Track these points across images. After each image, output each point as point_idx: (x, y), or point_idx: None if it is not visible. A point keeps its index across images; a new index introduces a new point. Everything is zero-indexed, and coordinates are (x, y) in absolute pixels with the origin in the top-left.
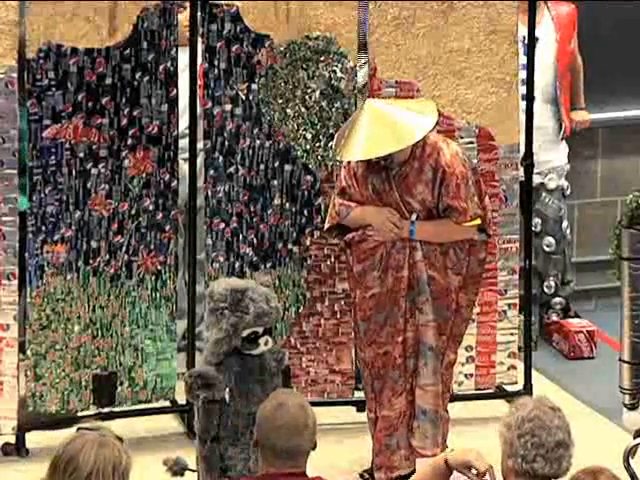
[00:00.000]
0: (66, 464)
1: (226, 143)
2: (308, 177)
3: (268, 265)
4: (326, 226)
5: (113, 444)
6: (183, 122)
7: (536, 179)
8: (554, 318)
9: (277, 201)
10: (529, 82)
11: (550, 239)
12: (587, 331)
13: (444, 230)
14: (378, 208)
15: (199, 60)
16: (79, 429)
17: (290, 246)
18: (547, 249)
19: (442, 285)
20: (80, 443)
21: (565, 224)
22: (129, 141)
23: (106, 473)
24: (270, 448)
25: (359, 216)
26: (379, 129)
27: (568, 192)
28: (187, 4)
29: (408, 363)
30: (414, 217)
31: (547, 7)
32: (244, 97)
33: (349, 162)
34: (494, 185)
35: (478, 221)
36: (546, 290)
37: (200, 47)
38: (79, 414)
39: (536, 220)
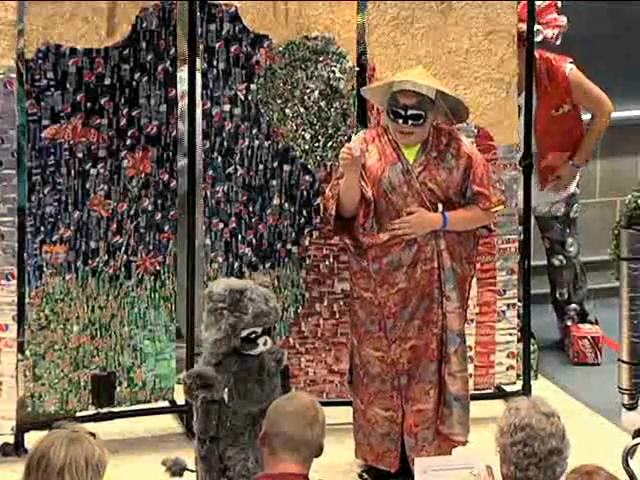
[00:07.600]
0: (38, 461)
1: (225, 143)
2: (307, 177)
3: (267, 265)
4: (330, 209)
5: (85, 439)
6: None
7: (543, 208)
8: (568, 323)
9: (276, 201)
10: (528, 82)
11: (560, 257)
12: (592, 337)
13: (472, 216)
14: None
15: (198, 60)
16: (51, 428)
17: (289, 246)
18: (557, 264)
19: (459, 274)
20: (50, 440)
21: (570, 241)
22: (128, 141)
23: (79, 467)
24: (278, 435)
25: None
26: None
27: (578, 192)
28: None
29: (438, 352)
30: (441, 207)
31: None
32: (243, 97)
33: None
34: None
35: (501, 206)
36: (559, 297)
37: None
38: (78, 414)
39: (546, 241)
